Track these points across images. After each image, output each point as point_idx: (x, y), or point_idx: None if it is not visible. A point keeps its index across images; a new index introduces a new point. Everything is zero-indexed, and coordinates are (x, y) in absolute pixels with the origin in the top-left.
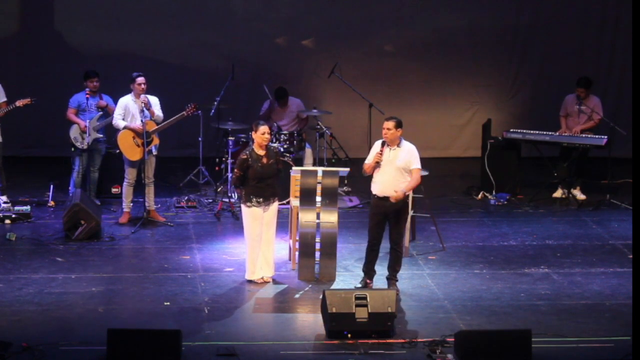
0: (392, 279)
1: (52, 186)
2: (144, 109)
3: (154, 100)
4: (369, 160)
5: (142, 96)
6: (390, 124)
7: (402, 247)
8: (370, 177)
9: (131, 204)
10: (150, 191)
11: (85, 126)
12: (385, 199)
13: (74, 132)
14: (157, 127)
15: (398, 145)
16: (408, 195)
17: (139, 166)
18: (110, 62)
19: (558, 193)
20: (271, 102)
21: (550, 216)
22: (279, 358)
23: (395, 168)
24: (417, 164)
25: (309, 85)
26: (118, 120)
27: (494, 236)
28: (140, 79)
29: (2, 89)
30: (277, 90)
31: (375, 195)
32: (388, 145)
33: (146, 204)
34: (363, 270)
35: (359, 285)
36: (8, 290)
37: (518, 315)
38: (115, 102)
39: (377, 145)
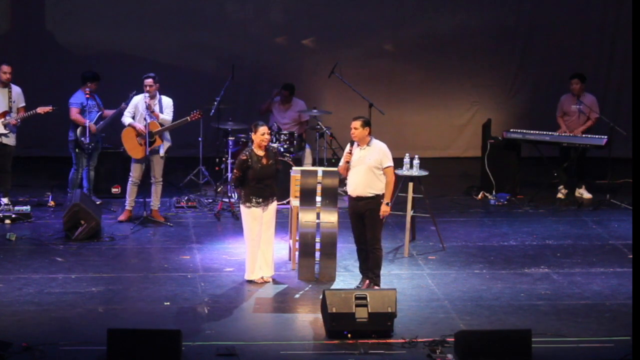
0: (372, 281)
1: (51, 191)
2: (147, 110)
3: (167, 102)
4: (342, 162)
5: (147, 97)
6: (357, 124)
7: (378, 248)
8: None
9: (134, 203)
10: (155, 191)
11: (94, 127)
12: (359, 198)
13: (81, 133)
14: (159, 128)
15: (368, 144)
16: (382, 196)
17: (144, 165)
18: (108, 62)
19: (561, 194)
20: (271, 101)
21: (550, 216)
22: (279, 358)
23: (367, 167)
24: (389, 162)
25: (309, 85)
26: (126, 117)
27: (494, 236)
28: (147, 81)
29: (21, 93)
30: (286, 85)
31: (349, 195)
32: (358, 145)
33: (151, 204)
34: (360, 272)
35: (359, 286)
36: (8, 290)
37: (518, 315)
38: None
39: (348, 146)
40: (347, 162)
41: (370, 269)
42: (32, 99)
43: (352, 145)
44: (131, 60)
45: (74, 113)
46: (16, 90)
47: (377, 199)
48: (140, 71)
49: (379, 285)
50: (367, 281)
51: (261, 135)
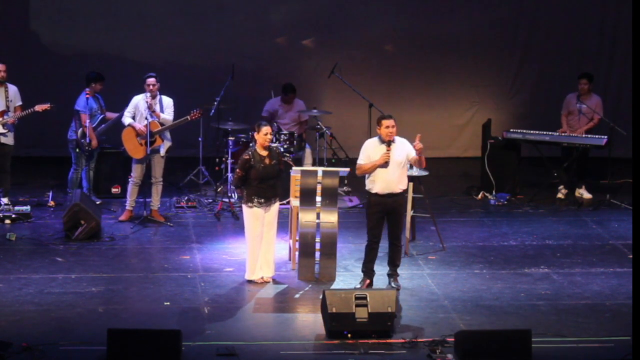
0: (394, 274)
1: (51, 191)
2: (149, 110)
3: (167, 102)
4: (371, 160)
5: (148, 97)
6: (393, 121)
7: (401, 241)
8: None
9: (134, 203)
10: (156, 191)
11: (95, 143)
12: (388, 195)
13: (81, 134)
14: (159, 128)
15: (393, 141)
16: (407, 191)
17: (145, 165)
18: (107, 63)
19: (561, 194)
20: (274, 104)
21: (550, 216)
22: (279, 358)
23: (397, 163)
24: (414, 152)
25: (309, 85)
26: (126, 117)
27: (494, 236)
28: (149, 80)
29: (18, 92)
30: (286, 86)
31: (376, 193)
32: (393, 142)
33: (151, 204)
34: (363, 271)
35: (359, 286)
36: (8, 290)
37: (518, 315)
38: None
39: (370, 145)
40: (387, 163)
41: (392, 262)
42: (41, 99)
43: (389, 145)
44: (130, 60)
45: (85, 120)
46: (12, 88)
47: (403, 195)
48: (140, 72)
49: (398, 276)
50: (368, 281)
51: (264, 135)
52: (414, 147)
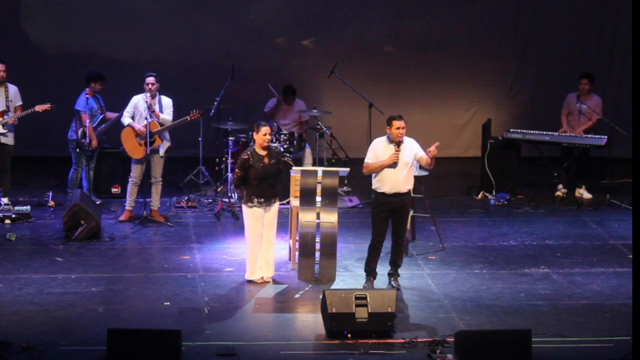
0: (394, 274)
1: (51, 191)
2: (148, 110)
3: (166, 102)
4: (379, 160)
5: (147, 97)
6: (403, 122)
7: (404, 241)
8: (369, 176)
9: (134, 203)
10: (155, 191)
11: (96, 143)
12: (395, 195)
13: (82, 134)
14: (159, 128)
15: (402, 142)
16: (411, 190)
17: (144, 165)
18: (106, 63)
19: (560, 192)
20: (278, 101)
21: (550, 216)
22: (279, 358)
23: (405, 164)
24: (422, 152)
25: (309, 85)
26: (125, 117)
27: (494, 236)
28: (148, 79)
29: (18, 92)
30: (286, 88)
31: (383, 192)
32: (402, 143)
33: (151, 204)
34: (366, 270)
35: (367, 286)
36: (8, 290)
37: (518, 315)
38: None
39: (379, 144)
40: (395, 163)
41: (393, 262)
42: (42, 100)
43: (398, 145)
44: (130, 60)
45: (85, 119)
46: (13, 88)
47: (409, 194)
48: (139, 72)
49: (398, 276)
50: (372, 279)
51: (263, 135)
52: (428, 152)
